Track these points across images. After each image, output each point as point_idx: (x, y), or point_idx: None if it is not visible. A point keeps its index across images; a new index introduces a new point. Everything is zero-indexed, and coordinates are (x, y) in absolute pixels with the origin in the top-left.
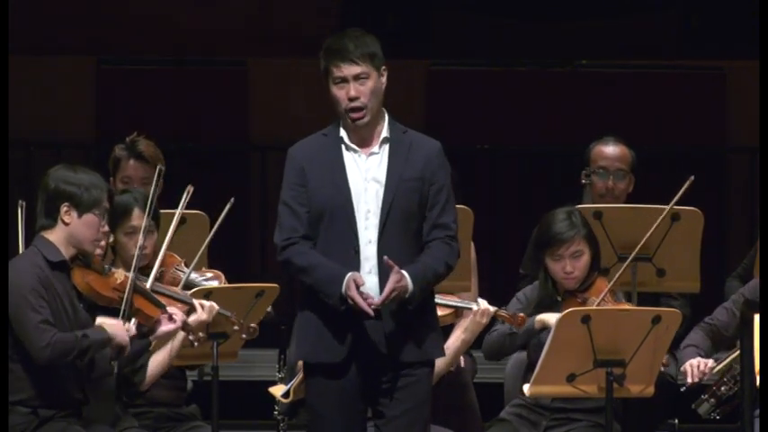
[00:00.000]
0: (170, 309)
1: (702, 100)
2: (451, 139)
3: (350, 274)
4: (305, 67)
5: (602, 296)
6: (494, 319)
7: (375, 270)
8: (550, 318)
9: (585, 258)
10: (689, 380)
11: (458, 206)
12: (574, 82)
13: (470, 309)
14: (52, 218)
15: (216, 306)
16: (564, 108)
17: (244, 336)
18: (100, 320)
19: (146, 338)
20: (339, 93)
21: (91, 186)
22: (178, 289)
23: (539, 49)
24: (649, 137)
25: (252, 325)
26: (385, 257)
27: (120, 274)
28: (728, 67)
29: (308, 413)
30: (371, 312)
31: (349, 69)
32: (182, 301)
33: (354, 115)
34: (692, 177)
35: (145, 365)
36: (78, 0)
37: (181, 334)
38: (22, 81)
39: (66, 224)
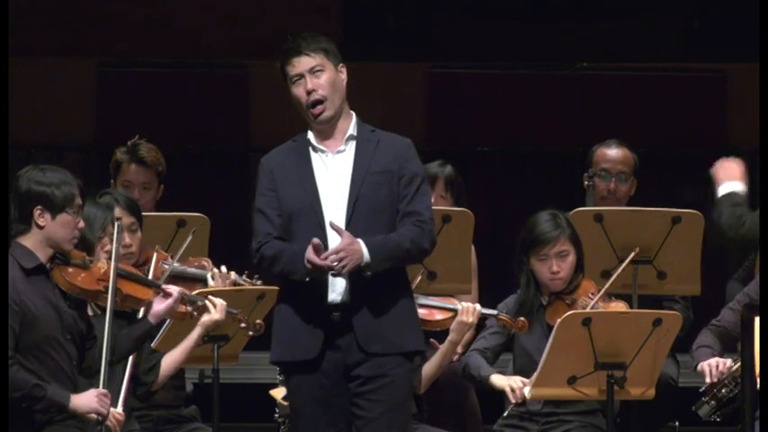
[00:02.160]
0: (164, 286)
1: (703, 102)
2: (452, 141)
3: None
4: None
5: (597, 297)
6: (481, 325)
7: None
8: (500, 381)
9: (571, 259)
10: (708, 380)
11: (458, 209)
12: (574, 84)
13: (455, 310)
14: (26, 222)
15: (224, 303)
16: (564, 110)
17: (251, 333)
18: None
19: (146, 320)
20: (298, 90)
21: (61, 184)
22: (185, 290)
23: (539, 52)
24: (650, 139)
25: (258, 321)
26: (330, 220)
27: (103, 263)
28: (729, 69)
29: (291, 413)
30: (330, 265)
31: (303, 63)
32: (189, 301)
33: (315, 110)
34: (635, 253)
35: (157, 365)
36: (79, 2)
37: (194, 334)
38: (23, 83)
39: (41, 227)
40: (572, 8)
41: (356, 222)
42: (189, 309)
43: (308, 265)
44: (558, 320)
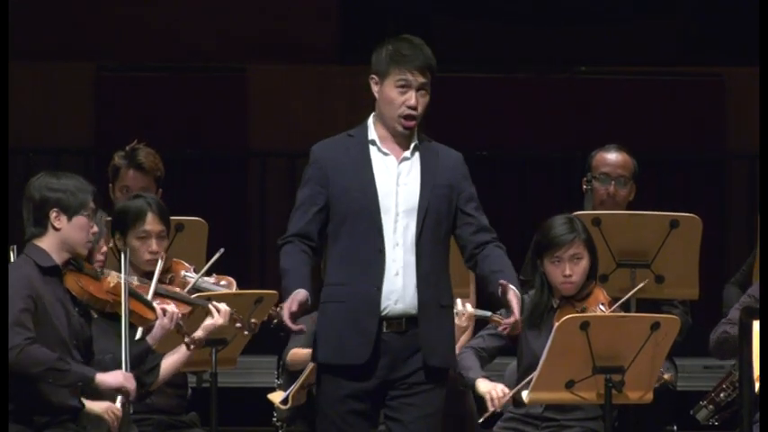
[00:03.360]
0: (163, 306)
1: (702, 107)
2: (451, 145)
3: (295, 292)
4: (304, 74)
5: (610, 310)
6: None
7: (402, 272)
8: (484, 387)
9: (584, 264)
10: None
11: None
12: (573, 88)
13: None
14: (42, 225)
15: (229, 309)
16: (563, 114)
17: (246, 332)
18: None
19: (145, 341)
20: (399, 97)
21: (76, 190)
22: (183, 291)
23: (538, 56)
24: (649, 143)
25: (253, 320)
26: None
27: (113, 278)
28: (728, 73)
29: (320, 417)
30: (296, 328)
31: (418, 78)
32: (187, 303)
33: (408, 123)
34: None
35: (157, 367)
36: (78, 6)
37: (196, 337)
38: (22, 87)
39: (57, 229)
40: (571, 12)
41: (426, 232)
42: (185, 340)
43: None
44: (557, 324)
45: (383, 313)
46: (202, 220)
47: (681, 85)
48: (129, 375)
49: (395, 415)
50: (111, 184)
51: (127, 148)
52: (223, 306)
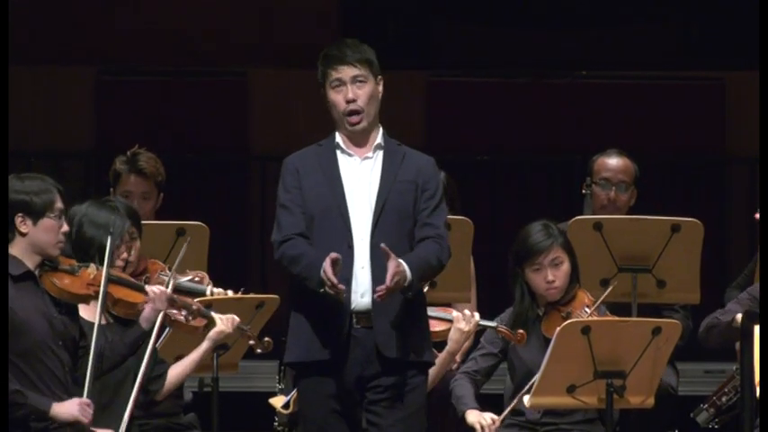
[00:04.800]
0: (148, 288)
1: (702, 110)
2: (451, 149)
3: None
4: (305, 78)
5: (592, 310)
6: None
7: (368, 266)
8: (472, 418)
9: (565, 267)
10: None
11: (458, 217)
12: (573, 92)
13: (452, 320)
14: (10, 231)
15: (237, 319)
16: (563, 119)
17: (259, 350)
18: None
19: (138, 325)
20: (337, 96)
21: (39, 191)
22: (196, 301)
23: (538, 60)
24: (649, 147)
25: (267, 339)
26: (382, 244)
27: (92, 269)
28: (728, 77)
29: (301, 420)
30: (340, 287)
31: (347, 72)
32: (201, 315)
33: (352, 119)
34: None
35: (163, 375)
36: (78, 10)
37: (203, 347)
38: (23, 90)
39: (24, 234)
40: (571, 16)
41: (382, 227)
42: (183, 313)
43: (322, 275)
44: (558, 329)
45: (352, 307)
46: (204, 225)
47: (681, 89)
48: (86, 403)
49: (375, 419)
50: (112, 189)
51: (128, 153)
52: (229, 315)
